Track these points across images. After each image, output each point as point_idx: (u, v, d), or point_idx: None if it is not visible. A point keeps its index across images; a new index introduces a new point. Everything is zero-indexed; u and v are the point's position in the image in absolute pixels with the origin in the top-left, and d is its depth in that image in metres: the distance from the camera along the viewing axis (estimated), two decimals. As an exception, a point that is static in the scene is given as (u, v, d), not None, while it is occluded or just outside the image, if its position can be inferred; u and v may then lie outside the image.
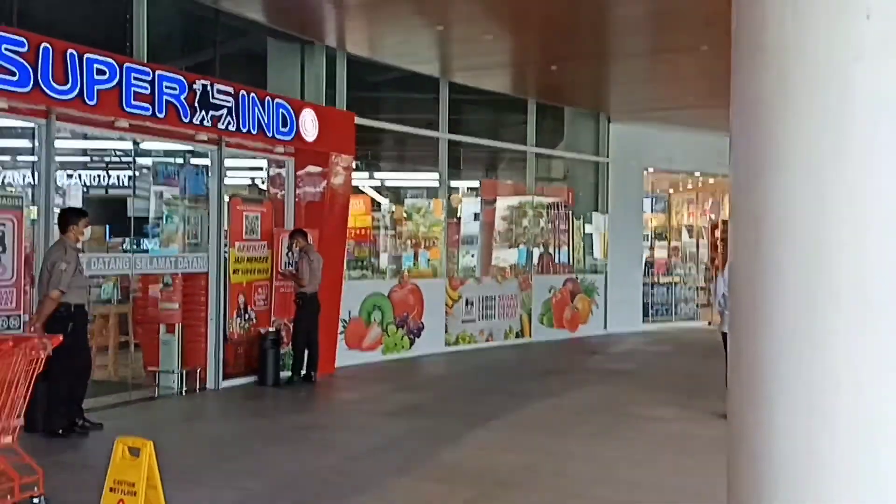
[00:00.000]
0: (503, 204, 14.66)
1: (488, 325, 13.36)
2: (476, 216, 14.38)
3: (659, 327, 16.69)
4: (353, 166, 11.40)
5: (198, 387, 9.07)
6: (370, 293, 11.44)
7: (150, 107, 7.80)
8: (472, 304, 13.09)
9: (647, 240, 19.40)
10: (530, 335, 14.05)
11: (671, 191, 21.65)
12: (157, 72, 7.90)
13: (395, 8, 8.97)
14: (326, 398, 9.19)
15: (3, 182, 10.40)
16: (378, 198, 14.24)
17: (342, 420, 7.93)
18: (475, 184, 15.15)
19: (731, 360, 2.25)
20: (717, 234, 25.23)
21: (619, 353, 13.11)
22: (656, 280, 17.69)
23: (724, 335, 8.45)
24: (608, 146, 15.93)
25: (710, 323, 17.75)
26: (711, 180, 20.86)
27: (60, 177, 11.30)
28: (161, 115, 7.92)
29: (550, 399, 8.81)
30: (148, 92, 7.77)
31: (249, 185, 12.72)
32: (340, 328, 10.81)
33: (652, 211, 21.36)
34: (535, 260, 14.84)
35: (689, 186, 22.52)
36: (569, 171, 16.33)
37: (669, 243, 23.12)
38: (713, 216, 25.32)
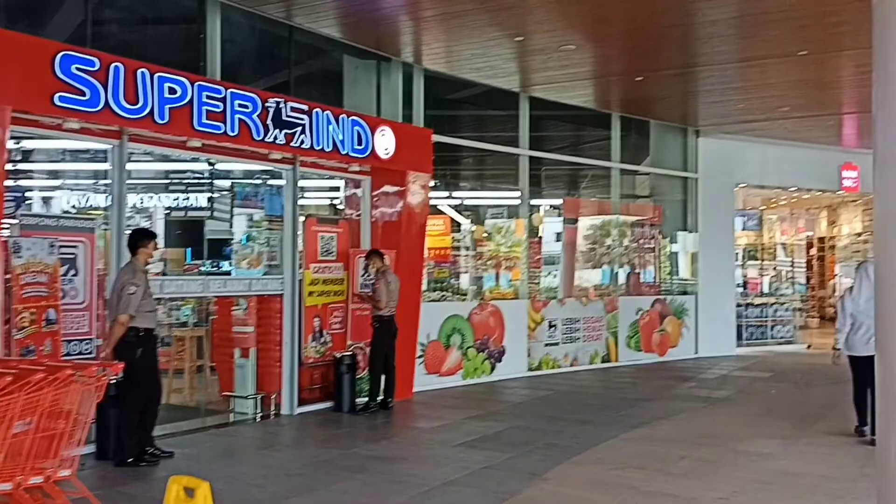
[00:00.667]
0: (586, 222, 14.12)
1: (573, 349, 12.81)
2: (558, 235, 13.88)
3: (753, 351, 15.79)
4: (431, 185, 11.10)
5: (273, 412, 8.85)
6: (449, 315, 11.07)
7: (221, 125, 7.64)
8: (555, 326, 12.57)
9: (739, 259, 18.56)
10: (617, 359, 13.42)
11: (763, 207, 20.70)
12: (230, 90, 7.75)
13: (472, 19, 8.62)
14: (403, 426, 8.82)
15: (77, 204, 10.47)
16: (458, 217, 13.90)
17: (418, 450, 7.53)
18: (558, 202, 14.66)
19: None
20: (814, 251, 24.10)
21: (713, 378, 12.35)
22: (750, 301, 16.80)
23: (852, 358, 7.91)
24: (697, 161, 15.23)
25: (809, 346, 16.74)
26: (806, 195, 19.83)
27: (144, 199, 11.42)
28: (233, 134, 7.75)
29: (640, 430, 8.22)
30: (220, 110, 7.62)
31: (328, 206, 12.56)
32: (419, 352, 10.46)
33: (744, 228, 20.47)
34: (622, 280, 14.23)
35: (783, 202, 21.48)
36: (655, 187, 15.66)
37: (762, 262, 22.12)
38: (809, 233, 24.15)
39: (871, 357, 7.77)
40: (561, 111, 13.21)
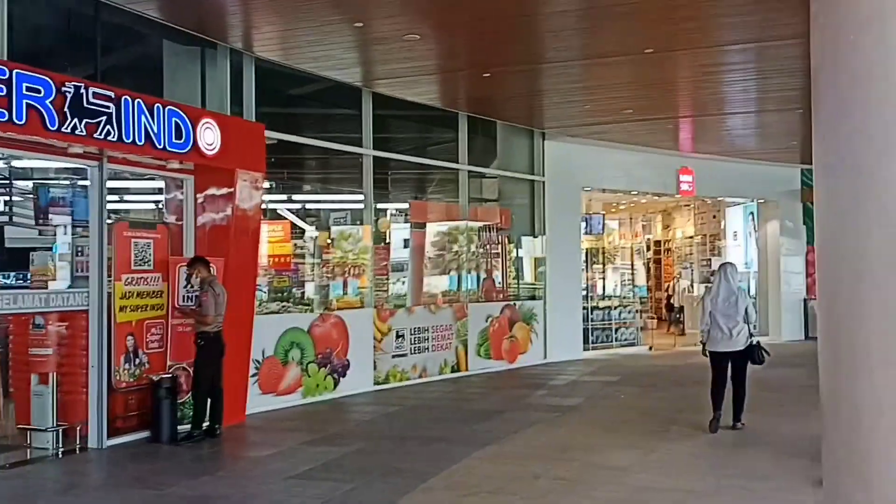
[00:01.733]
0: (434, 227, 13.55)
1: (421, 359, 12.18)
2: (406, 241, 13.24)
3: (600, 354, 15.76)
4: (267, 187, 10.17)
5: (78, 446, 7.65)
6: (288, 328, 10.15)
7: (5, 112, 6.44)
8: (402, 336, 11.90)
9: (584, 263, 18.63)
10: (467, 368, 12.91)
11: (603, 213, 20.96)
12: (15, 70, 6.55)
13: (306, 0, 7.79)
14: (232, 456, 7.85)
15: None
16: (299, 222, 12.97)
17: (247, 486, 6.61)
18: (404, 205, 14.02)
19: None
20: (650, 254, 24.76)
21: (563, 385, 12.06)
22: (595, 305, 16.81)
23: (711, 354, 8.26)
24: (543, 164, 15.02)
25: (651, 348, 16.93)
26: (644, 200, 20.24)
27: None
28: (20, 123, 6.54)
29: (493, 447, 7.65)
30: (3, 93, 6.42)
31: (152, 211, 11.34)
32: (252, 370, 9.49)
33: (587, 233, 20.63)
34: (474, 285, 13.76)
35: (622, 206, 21.88)
36: (503, 191, 15.34)
37: (605, 266, 22.41)
38: (648, 236, 24.78)
39: (727, 353, 8.06)
40: (407, 110, 12.58)
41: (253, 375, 9.49)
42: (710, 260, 21.24)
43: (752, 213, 19.91)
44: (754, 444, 7.68)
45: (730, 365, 8.20)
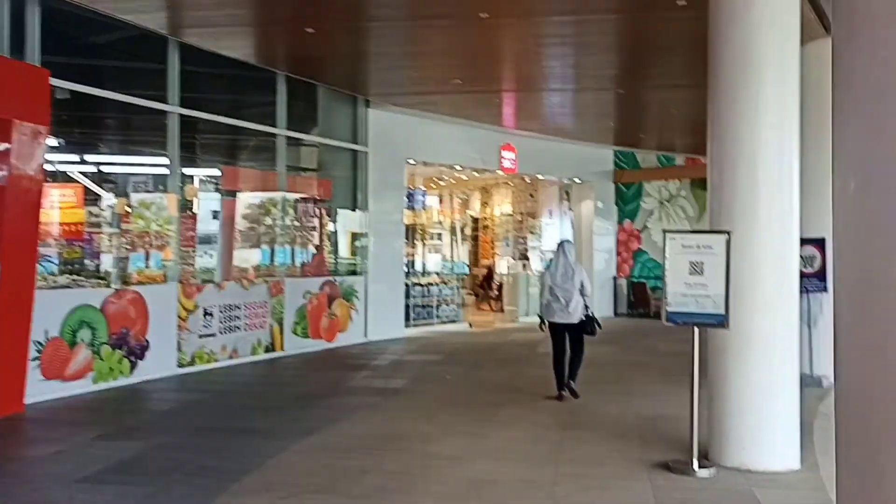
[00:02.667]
0: (247, 196, 12.55)
1: (232, 339, 11.21)
2: (215, 212, 12.16)
3: (421, 332, 15.40)
4: (52, 143, 8.83)
5: None
6: (77, 305, 8.91)
7: None
8: (211, 314, 10.88)
9: (406, 238, 18.25)
10: (282, 348, 12.07)
11: (423, 188, 20.67)
12: None
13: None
14: (4, 456, 6.66)
15: None
16: (94, 187, 11.54)
17: (22, 493, 5.54)
18: (215, 172, 12.90)
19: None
20: (468, 231, 24.81)
21: (385, 365, 11.54)
22: (417, 281, 16.43)
23: (551, 325, 8.60)
24: (367, 134, 14.35)
25: (471, 325, 16.80)
26: (465, 176, 20.10)
27: None
28: None
29: (314, 437, 6.96)
30: None
31: None
32: (33, 353, 8.22)
33: (409, 208, 20.27)
34: (291, 260, 12.89)
35: (443, 182, 21.67)
36: (324, 160, 14.54)
37: (425, 241, 22.16)
38: (470, 212, 24.79)
39: (565, 324, 8.51)
40: (220, 67, 11.49)
41: (34, 359, 8.23)
42: (526, 238, 21.53)
43: (566, 192, 20.29)
44: (585, 426, 7.49)
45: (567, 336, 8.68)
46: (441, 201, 24.04)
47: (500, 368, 11.14)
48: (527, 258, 21.06)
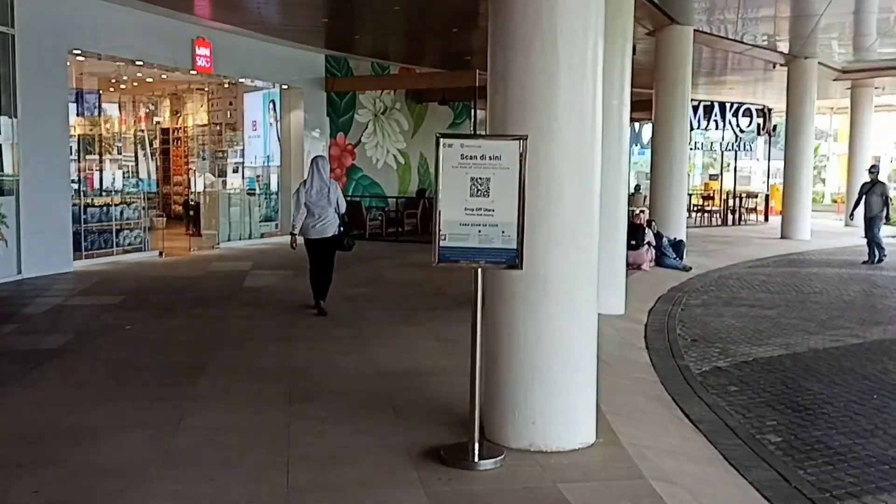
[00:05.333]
0: None
1: None
2: None
3: (96, 264, 12.57)
4: None
5: None
6: None
7: None
8: None
9: (74, 151, 15.05)
10: None
11: (99, 90, 17.27)
12: None
13: None
14: None
15: None
16: None
17: None
18: None
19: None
20: (158, 143, 21.55)
21: (43, 314, 8.81)
22: (90, 202, 13.39)
23: (307, 241, 8.63)
24: (12, 11, 10.97)
25: (161, 253, 14.16)
26: (150, 78, 16.95)
27: None
28: None
29: None
30: None
31: None
32: None
33: (79, 114, 16.84)
34: None
35: (124, 85, 18.28)
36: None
37: (102, 156, 18.83)
38: (158, 120, 21.47)
39: (321, 240, 8.58)
40: None
41: None
42: (225, 151, 18.95)
43: (272, 100, 17.95)
44: (318, 394, 5.69)
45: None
46: (122, 107, 20.50)
47: (197, 312, 8.94)
48: (226, 175, 18.55)
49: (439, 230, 4.35)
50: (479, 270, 4.42)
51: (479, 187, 4.30)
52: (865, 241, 15.26)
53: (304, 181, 8.67)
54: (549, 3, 4.41)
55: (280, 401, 5.49)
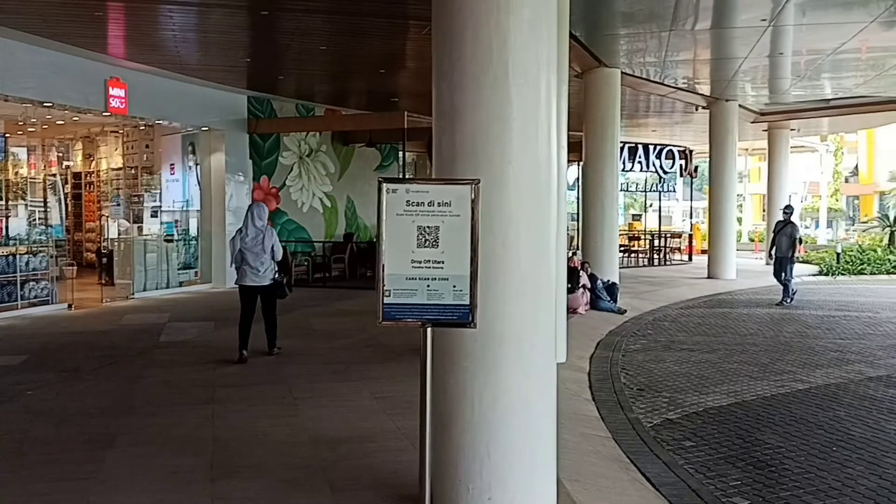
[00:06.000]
0: None
1: None
2: None
3: (1, 320, 11.62)
4: None
5: None
6: None
7: None
8: None
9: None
10: None
11: (7, 134, 16.30)
12: None
13: None
14: None
15: None
16: None
17: None
18: None
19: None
20: (69, 188, 20.50)
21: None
22: (-8, 252, 12.46)
23: (241, 288, 8.59)
24: None
25: (71, 306, 13.22)
26: (60, 120, 16.08)
27: None
28: None
29: None
30: None
31: None
32: None
33: (-18, 159, 15.84)
34: None
35: (32, 128, 17.30)
36: None
37: (7, 202, 17.75)
38: (68, 164, 20.45)
39: (257, 287, 8.56)
40: None
41: None
42: (141, 196, 18.07)
43: (192, 143, 17.24)
44: (244, 466, 5.10)
45: (258, 300, 8.66)
46: (31, 151, 19.42)
47: (108, 372, 8.19)
48: (142, 220, 17.65)
49: (383, 285, 3.89)
50: (429, 329, 3.96)
51: (427, 237, 3.88)
52: (777, 281, 15.30)
53: (240, 228, 8.66)
54: (500, 37, 4.05)
55: (200, 478, 4.88)
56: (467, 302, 3.88)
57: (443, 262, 3.87)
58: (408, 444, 5.52)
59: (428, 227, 3.87)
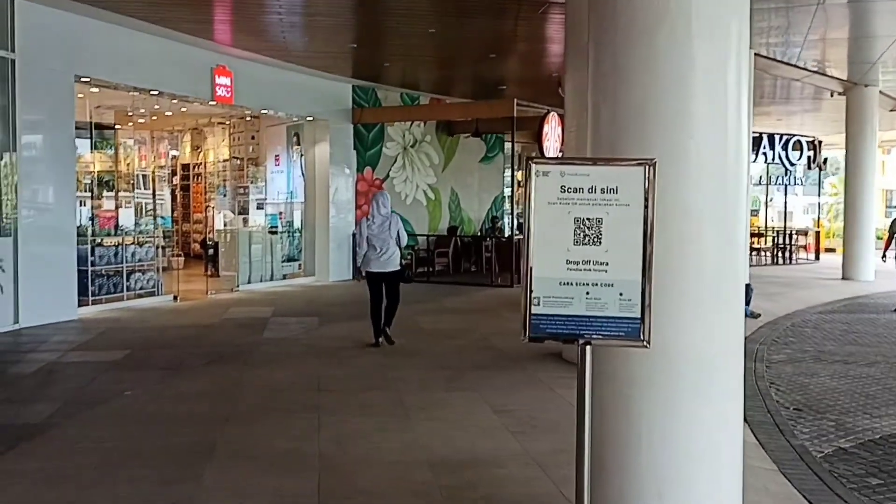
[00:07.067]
0: None
1: None
2: None
3: (105, 311, 11.46)
4: None
5: None
6: None
7: None
8: None
9: (87, 189, 14.06)
10: None
11: (118, 126, 16.29)
12: None
13: None
14: None
15: None
16: None
17: None
18: None
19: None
20: (177, 180, 20.56)
21: (32, 374, 7.61)
22: (100, 241, 12.31)
23: (368, 274, 8.83)
24: (13, 35, 9.99)
25: (176, 298, 13.01)
26: (168, 111, 15.95)
27: None
28: None
29: None
30: None
31: None
32: None
33: (94, 149, 15.84)
34: None
35: (142, 119, 17.30)
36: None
37: (118, 193, 17.82)
38: (175, 154, 20.52)
39: (382, 273, 8.85)
40: None
41: None
42: (247, 187, 17.87)
43: (296, 133, 16.89)
44: (352, 491, 4.41)
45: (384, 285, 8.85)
46: (140, 142, 19.53)
47: (209, 371, 7.72)
48: (247, 212, 17.44)
49: (531, 292, 3.10)
50: (587, 348, 3.14)
51: (588, 232, 3.06)
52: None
53: (367, 216, 9.04)
54: (678, -23, 3.20)
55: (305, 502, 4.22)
56: (637, 315, 3.05)
57: (606, 264, 3.05)
58: (539, 471, 4.76)
59: (588, 219, 3.05)
